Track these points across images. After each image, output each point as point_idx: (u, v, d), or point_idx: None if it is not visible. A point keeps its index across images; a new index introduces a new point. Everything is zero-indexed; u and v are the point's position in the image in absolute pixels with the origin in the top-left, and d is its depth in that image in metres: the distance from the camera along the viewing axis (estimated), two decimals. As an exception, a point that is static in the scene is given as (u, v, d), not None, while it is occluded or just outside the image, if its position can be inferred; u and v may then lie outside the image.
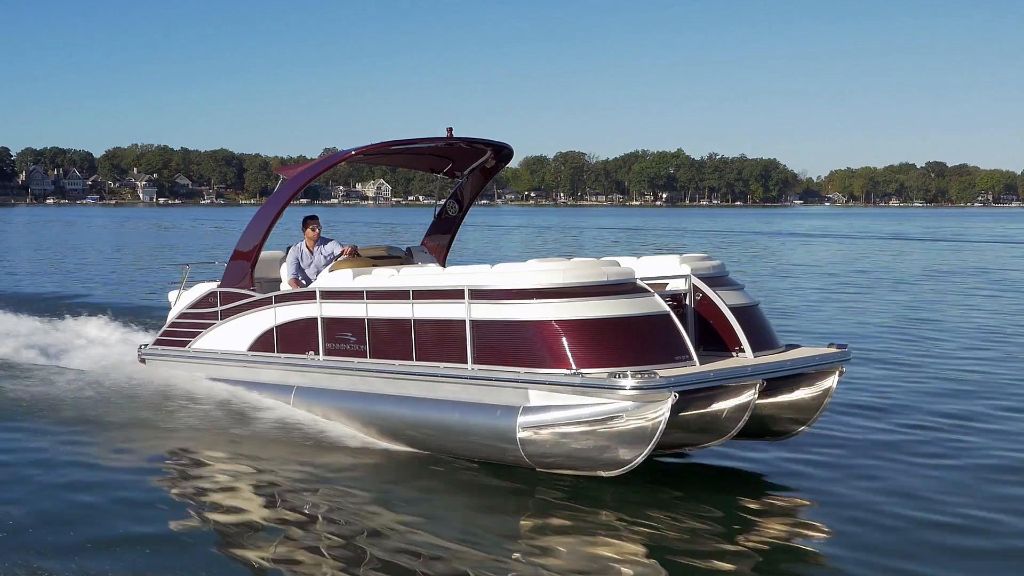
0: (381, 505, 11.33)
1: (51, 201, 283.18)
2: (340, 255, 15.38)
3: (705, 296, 12.42)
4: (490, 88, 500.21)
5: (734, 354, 12.17)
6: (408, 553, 9.79)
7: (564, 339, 11.37)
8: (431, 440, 12.86)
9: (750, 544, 10.03)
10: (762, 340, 12.34)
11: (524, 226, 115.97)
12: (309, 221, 15.92)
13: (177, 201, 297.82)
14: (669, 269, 12.73)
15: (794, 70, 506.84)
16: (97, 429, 14.66)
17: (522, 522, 10.93)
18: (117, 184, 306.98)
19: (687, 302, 12.48)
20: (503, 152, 16.87)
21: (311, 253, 15.88)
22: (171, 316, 17.27)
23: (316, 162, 16.11)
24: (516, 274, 11.90)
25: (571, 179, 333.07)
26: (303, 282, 15.55)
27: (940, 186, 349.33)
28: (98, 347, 20.59)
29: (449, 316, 12.31)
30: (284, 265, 15.93)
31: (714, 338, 12.35)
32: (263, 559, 9.85)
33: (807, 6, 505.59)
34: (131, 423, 14.91)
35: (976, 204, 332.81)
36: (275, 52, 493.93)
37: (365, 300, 13.37)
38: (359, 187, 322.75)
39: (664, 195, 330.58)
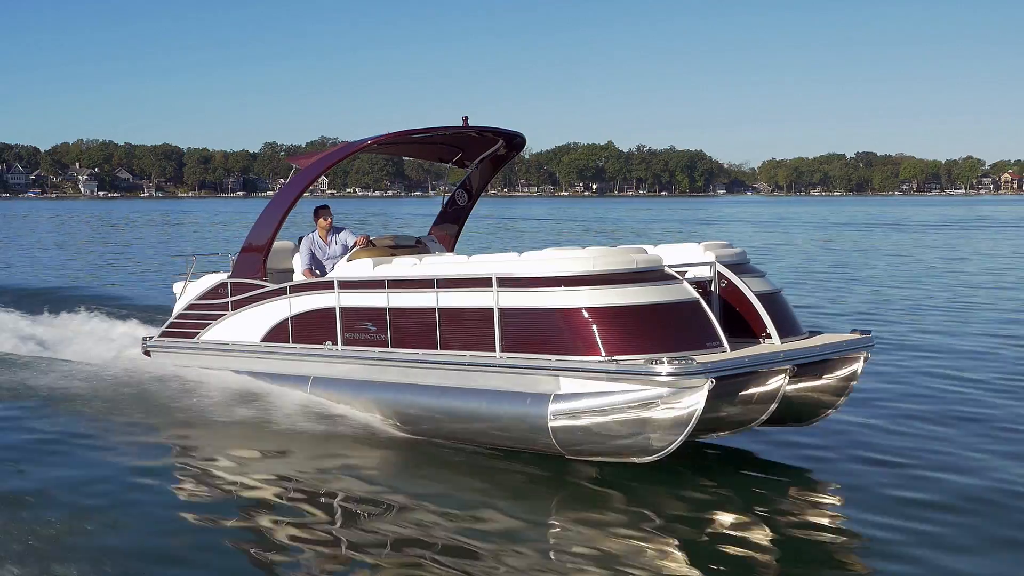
0: (403, 495, 11.22)
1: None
2: (354, 245, 15.13)
3: (730, 283, 12.31)
4: (425, 83, 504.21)
5: (760, 340, 12.10)
6: (432, 543, 9.67)
7: (595, 326, 11.27)
8: (457, 429, 12.73)
9: (776, 530, 10.00)
10: (787, 326, 12.29)
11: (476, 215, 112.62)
12: (321, 211, 15.67)
13: (117, 195, 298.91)
14: (692, 256, 12.61)
15: (726, 61, 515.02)
16: (109, 421, 14.54)
17: (549, 509, 10.92)
18: (59, 178, 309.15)
19: (712, 289, 12.38)
20: (515, 141, 16.63)
21: (325, 243, 15.64)
22: (177, 308, 16.91)
23: (330, 152, 15.69)
24: (545, 262, 11.77)
25: (504, 170, 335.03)
26: (317, 272, 15.33)
27: (865, 176, 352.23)
28: (99, 340, 20.19)
29: (476, 304, 12.20)
30: (297, 255, 15.71)
31: (739, 325, 12.20)
32: (280, 549, 9.74)
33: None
34: (142, 416, 14.70)
35: (897, 193, 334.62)
36: (220, 49, 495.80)
37: (386, 289, 13.23)
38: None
39: (594, 186, 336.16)
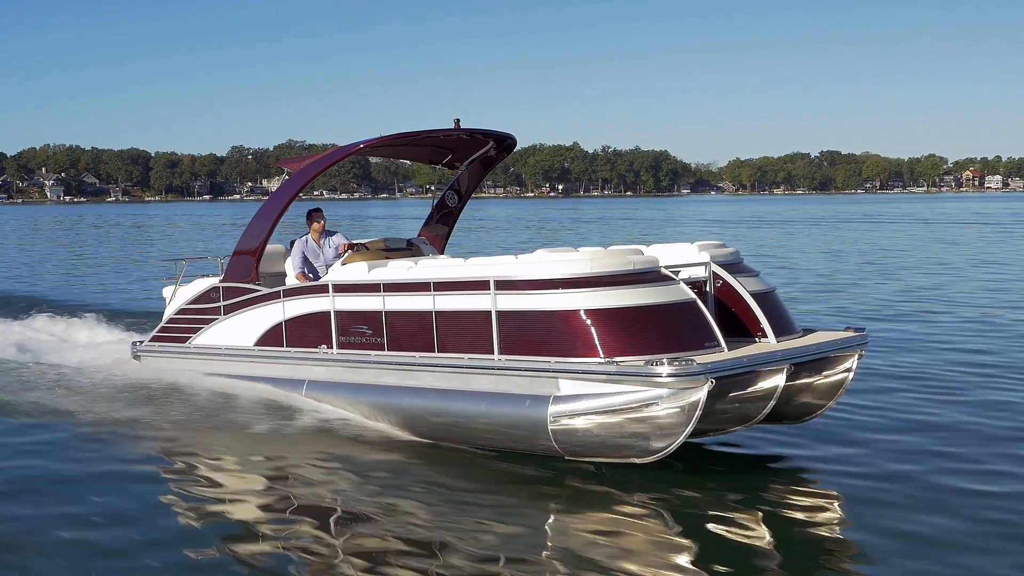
0: (400, 497, 11.18)
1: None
2: (344, 250, 15.02)
3: (725, 283, 12.35)
4: (388, 85, 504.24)
5: (756, 339, 12.12)
6: (429, 544, 9.67)
7: (594, 328, 11.29)
8: (456, 431, 12.67)
9: (774, 529, 10.01)
10: (782, 325, 12.32)
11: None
12: (314, 214, 15.56)
13: (83, 199, 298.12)
14: (687, 256, 12.64)
15: (691, 62, 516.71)
16: (100, 427, 14.36)
17: (548, 510, 10.85)
18: (25, 183, 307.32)
19: (707, 289, 12.41)
20: (505, 143, 16.59)
21: (318, 246, 15.50)
22: (168, 312, 16.73)
23: (322, 156, 15.61)
24: (543, 264, 11.78)
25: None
26: (310, 276, 15.18)
27: (829, 174, 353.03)
28: (86, 346, 19.99)
29: (474, 307, 12.19)
30: (289, 259, 15.56)
31: (734, 324, 12.22)
32: (278, 549, 9.72)
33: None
34: (134, 421, 14.58)
35: (860, 191, 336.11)
36: (187, 54, 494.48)
37: (382, 293, 13.18)
38: (264, 183, 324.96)
39: (560, 187, 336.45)
